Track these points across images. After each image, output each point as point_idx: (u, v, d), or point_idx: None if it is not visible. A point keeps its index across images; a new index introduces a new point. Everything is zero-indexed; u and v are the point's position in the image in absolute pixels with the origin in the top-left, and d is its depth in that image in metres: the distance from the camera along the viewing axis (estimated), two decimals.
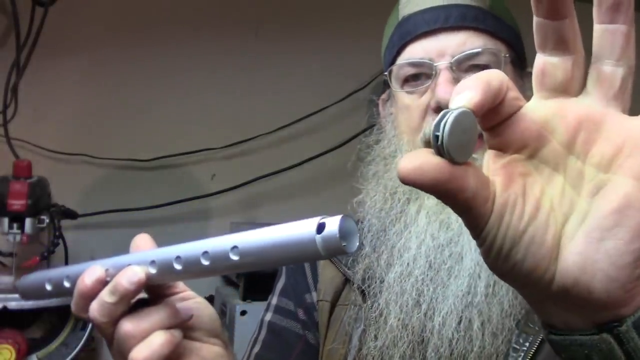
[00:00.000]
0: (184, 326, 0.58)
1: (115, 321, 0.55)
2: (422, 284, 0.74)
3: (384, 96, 0.89)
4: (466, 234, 0.74)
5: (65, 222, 1.43)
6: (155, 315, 0.55)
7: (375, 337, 0.76)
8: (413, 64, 0.80)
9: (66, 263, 1.55)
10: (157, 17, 1.75)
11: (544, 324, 0.43)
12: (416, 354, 0.73)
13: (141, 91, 1.74)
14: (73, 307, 0.56)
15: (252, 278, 1.46)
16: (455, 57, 0.77)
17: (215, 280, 1.71)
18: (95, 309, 0.54)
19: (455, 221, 0.75)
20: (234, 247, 0.46)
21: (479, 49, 0.77)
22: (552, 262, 0.39)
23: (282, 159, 1.80)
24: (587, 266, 0.37)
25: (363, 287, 0.79)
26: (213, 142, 1.77)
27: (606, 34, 0.39)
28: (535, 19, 0.41)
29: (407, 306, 0.74)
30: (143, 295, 0.56)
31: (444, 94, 0.75)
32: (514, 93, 0.41)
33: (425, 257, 0.74)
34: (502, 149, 0.42)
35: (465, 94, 0.38)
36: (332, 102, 1.81)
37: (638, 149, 0.37)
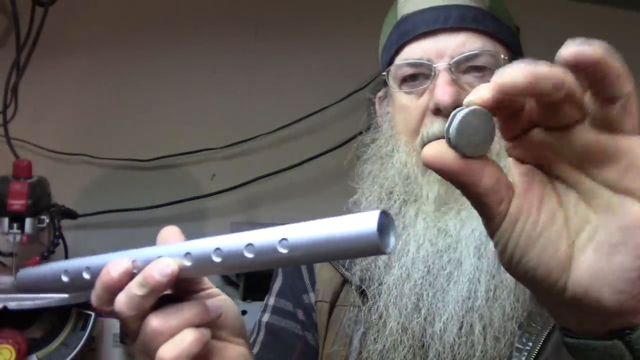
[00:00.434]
0: (212, 325, 0.55)
1: (142, 315, 0.51)
2: (421, 288, 0.74)
3: (380, 94, 0.89)
4: (464, 240, 0.74)
5: (65, 222, 1.43)
6: (185, 312, 0.52)
7: (375, 340, 0.75)
8: (411, 65, 0.80)
9: None
10: (157, 17, 1.75)
11: (560, 327, 0.44)
12: (417, 359, 0.73)
13: (141, 91, 1.74)
14: (95, 300, 0.53)
15: (252, 278, 1.45)
16: (454, 59, 0.77)
17: (215, 280, 1.71)
18: (122, 301, 0.51)
19: (454, 228, 0.75)
20: (283, 240, 0.44)
21: (478, 51, 0.77)
22: (564, 272, 0.40)
23: (282, 159, 1.80)
24: (597, 278, 0.38)
25: (363, 287, 0.79)
26: (213, 142, 1.77)
27: None
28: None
29: (406, 310, 0.74)
30: (167, 290, 0.53)
31: (443, 95, 0.75)
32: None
33: (423, 262, 0.74)
34: (520, 160, 0.44)
35: (479, 91, 0.39)
36: (332, 102, 1.81)
37: None
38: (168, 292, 0.53)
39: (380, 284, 0.77)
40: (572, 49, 0.37)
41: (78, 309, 1.21)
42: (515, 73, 0.37)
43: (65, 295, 1.15)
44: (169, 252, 0.51)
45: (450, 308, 0.72)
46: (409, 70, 0.80)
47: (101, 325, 1.37)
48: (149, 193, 1.71)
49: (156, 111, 1.75)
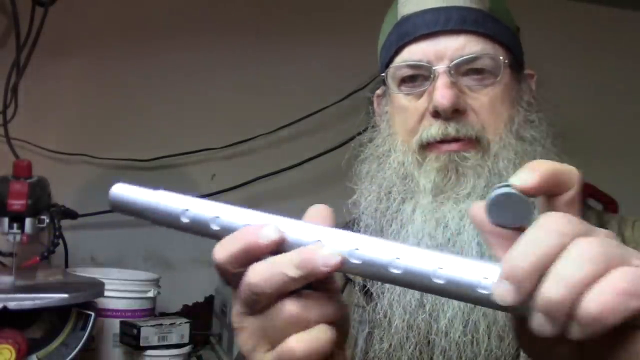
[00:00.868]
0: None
1: (279, 295, 0.45)
2: None
3: (379, 92, 0.89)
4: (465, 234, 0.74)
5: (65, 222, 1.43)
6: (326, 307, 0.46)
7: (381, 340, 0.75)
8: (411, 66, 0.80)
9: (66, 263, 1.55)
10: (157, 17, 1.75)
11: None
12: (424, 356, 0.73)
13: (141, 91, 1.74)
14: (225, 258, 0.46)
15: None
16: (454, 61, 0.77)
17: (215, 280, 1.71)
18: (263, 275, 0.44)
19: (452, 220, 0.75)
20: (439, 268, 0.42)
21: (478, 54, 0.77)
22: None
23: (282, 159, 1.80)
24: None
25: (368, 286, 0.79)
26: (213, 142, 1.77)
27: None
28: None
29: (410, 307, 0.74)
30: None
31: (442, 98, 0.75)
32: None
33: None
34: None
35: (521, 174, 0.42)
36: (332, 102, 1.81)
37: None
38: None
39: (382, 283, 0.77)
40: (530, 179, 0.42)
41: (78, 309, 1.20)
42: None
43: (65, 295, 1.15)
44: (331, 239, 0.44)
45: (455, 305, 0.72)
46: (408, 72, 0.80)
47: (101, 325, 1.37)
48: None
49: (156, 111, 1.75)
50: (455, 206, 0.75)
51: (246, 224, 0.47)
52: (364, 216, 0.82)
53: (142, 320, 1.40)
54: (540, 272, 0.38)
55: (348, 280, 0.83)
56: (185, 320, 1.41)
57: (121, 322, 1.38)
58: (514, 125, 0.79)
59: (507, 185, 0.43)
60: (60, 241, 1.41)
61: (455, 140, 0.77)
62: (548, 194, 0.43)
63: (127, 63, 1.73)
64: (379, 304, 0.77)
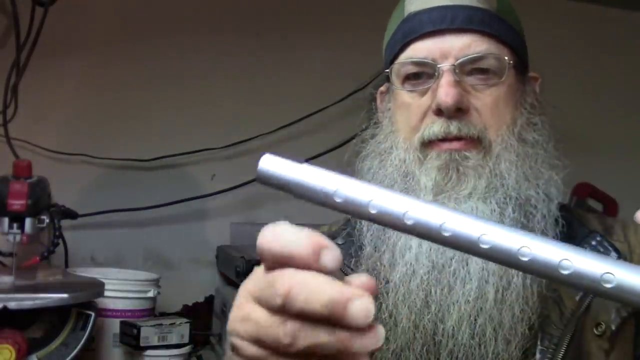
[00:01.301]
0: None
1: None
2: (428, 284, 0.74)
3: (382, 88, 0.89)
4: None
5: (65, 222, 1.43)
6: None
7: (388, 340, 0.75)
8: (416, 63, 0.79)
9: (66, 263, 1.55)
10: (157, 17, 1.75)
11: None
12: (431, 357, 0.73)
13: (141, 91, 1.74)
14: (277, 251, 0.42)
15: None
16: (459, 60, 0.77)
17: (215, 280, 1.71)
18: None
19: None
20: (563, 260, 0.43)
21: (483, 53, 0.77)
22: None
23: None
24: None
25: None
26: (213, 142, 1.77)
27: None
28: None
29: (416, 307, 0.74)
30: None
31: (446, 96, 0.75)
32: None
33: (427, 257, 0.74)
34: None
35: None
36: (332, 102, 1.81)
37: None
38: None
39: (387, 282, 0.77)
40: None
41: (78, 309, 1.20)
42: None
43: (65, 295, 1.15)
44: (460, 223, 0.44)
45: (461, 306, 0.72)
46: (413, 69, 0.80)
47: (101, 325, 1.37)
48: (149, 193, 1.71)
49: (156, 111, 1.75)
50: (457, 206, 0.75)
51: (404, 211, 0.45)
52: None
53: (142, 320, 1.40)
54: None
55: None
56: (185, 320, 1.41)
57: (121, 322, 1.39)
58: (516, 127, 0.79)
59: None
60: (60, 241, 1.41)
61: (457, 139, 0.77)
62: None
63: (127, 63, 1.73)
64: (383, 304, 0.77)
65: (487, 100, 0.78)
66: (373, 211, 0.45)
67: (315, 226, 0.98)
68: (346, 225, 0.88)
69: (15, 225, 1.25)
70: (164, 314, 1.57)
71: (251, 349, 0.42)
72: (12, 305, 1.09)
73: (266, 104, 1.83)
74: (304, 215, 1.14)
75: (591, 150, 1.98)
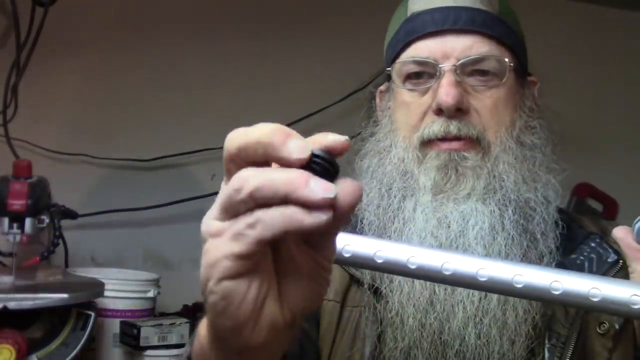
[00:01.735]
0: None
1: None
2: (432, 283, 0.74)
3: (382, 87, 0.89)
4: (469, 235, 0.74)
5: (65, 222, 1.43)
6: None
7: (396, 338, 0.75)
8: (417, 62, 0.80)
9: (66, 263, 1.55)
10: (157, 17, 1.75)
11: None
12: (439, 356, 0.74)
13: (141, 91, 1.74)
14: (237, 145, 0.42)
15: None
16: (460, 61, 0.77)
17: None
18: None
19: (454, 221, 0.75)
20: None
21: (485, 55, 0.78)
22: None
23: None
24: None
25: (376, 285, 0.79)
26: (213, 142, 1.76)
27: None
28: None
29: (421, 306, 0.74)
30: None
31: (446, 96, 0.75)
32: None
33: None
34: None
35: None
36: (332, 102, 1.81)
37: None
38: None
39: (390, 282, 0.77)
40: None
41: (78, 309, 1.21)
42: None
43: (65, 295, 1.15)
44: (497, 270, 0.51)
45: (466, 306, 0.73)
46: (415, 68, 0.80)
47: (101, 325, 1.37)
48: (149, 193, 1.71)
49: (156, 111, 1.75)
50: (457, 207, 0.76)
51: (408, 256, 0.52)
52: (367, 213, 0.82)
53: (142, 320, 1.40)
54: None
55: (352, 281, 0.82)
56: (185, 320, 1.41)
57: (121, 322, 1.39)
58: (515, 129, 0.79)
59: None
60: (60, 241, 1.41)
61: (457, 139, 0.77)
62: None
63: (127, 63, 1.73)
64: (389, 303, 0.77)
65: (487, 102, 0.78)
66: (379, 261, 0.51)
67: None
68: (346, 224, 0.88)
69: (15, 225, 1.25)
70: (164, 314, 1.57)
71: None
72: (12, 305, 1.09)
73: (266, 104, 1.82)
74: None
75: (591, 150, 1.98)
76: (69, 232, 1.51)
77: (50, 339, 1.18)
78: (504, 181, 0.77)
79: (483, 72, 0.78)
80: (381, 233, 0.80)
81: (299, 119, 1.81)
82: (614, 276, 0.75)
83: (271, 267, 0.44)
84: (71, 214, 1.48)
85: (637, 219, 0.58)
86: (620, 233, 0.63)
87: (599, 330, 0.75)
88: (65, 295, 1.15)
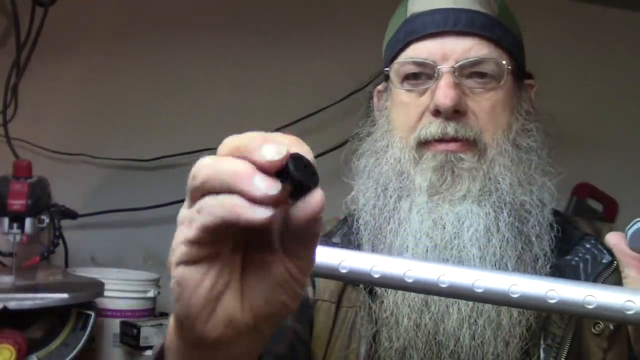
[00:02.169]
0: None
1: None
2: None
3: (380, 87, 0.90)
4: (464, 237, 0.75)
5: (65, 222, 1.43)
6: None
7: (391, 339, 0.76)
8: (416, 63, 0.80)
9: (66, 263, 1.55)
10: (157, 16, 1.75)
11: None
12: (434, 357, 0.74)
13: (141, 91, 1.74)
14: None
15: None
16: (459, 63, 0.78)
17: None
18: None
19: (449, 222, 0.75)
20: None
21: (484, 57, 0.78)
22: None
23: None
24: None
25: (372, 286, 0.79)
26: (213, 142, 1.75)
27: None
28: None
29: (416, 306, 0.75)
30: None
31: (444, 98, 0.76)
32: None
33: (423, 257, 0.75)
34: None
35: None
36: (332, 102, 1.81)
37: None
38: None
39: None
40: None
41: (78, 309, 1.21)
42: None
43: (65, 295, 1.15)
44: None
45: (461, 308, 0.73)
46: (413, 69, 0.81)
47: (101, 325, 1.37)
48: (149, 193, 1.71)
49: (156, 111, 1.75)
50: (452, 208, 0.76)
51: (405, 270, 0.53)
52: (363, 213, 0.82)
53: (142, 320, 1.40)
54: None
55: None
56: None
57: (121, 322, 1.39)
58: (511, 132, 0.80)
59: None
60: (60, 241, 1.41)
61: (454, 140, 0.77)
62: None
63: (127, 63, 1.73)
64: (384, 303, 0.77)
65: (484, 104, 0.79)
66: (376, 276, 0.52)
67: None
68: (342, 224, 0.88)
69: (15, 225, 1.25)
70: (164, 314, 1.57)
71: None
72: (12, 305, 1.09)
73: (266, 104, 1.82)
74: None
75: (591, 150, 1.98)
76: (69, 232, 1.51)
77: (50, 339, 1.18)
78: (499, 183, 0.77)
79: (481, 75, 0.79)
80: (377, 233, 0.80)
81: (299, 119, 1.81)
82: (609, 277, 0.76)
83: (234, 263, 0.44)
84: (71, 214, 1.48)
85: (629, 225, 0.58)
86: (613, 239, 0.64)
87: (594, 331, 0.76)
88: (65, 295, 1.15)
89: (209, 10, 1.80)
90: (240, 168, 0.41)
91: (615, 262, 0.77)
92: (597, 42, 2.05)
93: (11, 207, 1.23)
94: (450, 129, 0.77)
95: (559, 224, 0.80)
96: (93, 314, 1.21)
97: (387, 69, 0.84)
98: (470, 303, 0.72)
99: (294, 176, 0.40)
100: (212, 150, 1.67)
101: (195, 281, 0.43)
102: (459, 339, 0.72)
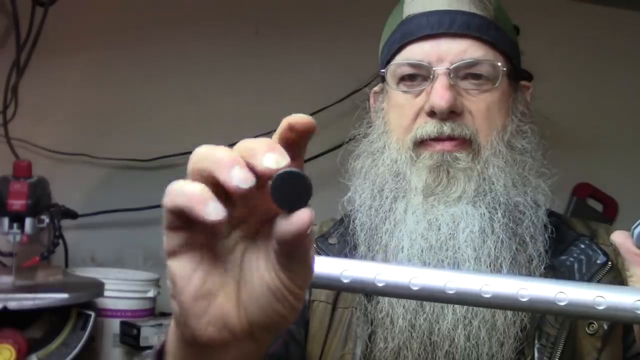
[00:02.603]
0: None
1: None
2: None
3: (376, 89, 0.90)
4: (459, 238, 0.75)
5: (65, 222, 1.43)
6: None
7: (386, 339, 0.76)
8: (412, 65, 0.80)
9: (66, 263, 1.55)
10: (157, 16, 1.75)
11: None
12: (428, 357, 0.74)
13: (141, 91, 1.74)
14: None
15: None
16: (454, 64, 0.78)
17: None
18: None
19: (444, 223, 0.76)
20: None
21: (479, 59, 0.78)
22: None
23: None
24: None
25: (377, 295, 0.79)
26: (213, 142, 1.75)
27: None
28: None
29: (411, 307, 0.75)
30: None
31: (440, 99, 0.76)
32: None
33: (419, 258, 0.75)
34: None
35: None
36: (332, 102, 1.81)
37: None
38: None
39: None
40: None
41: (78, 309, 1.21)
42: None
43: (65, 295, 1.15)
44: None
45: (456, 309, 0.73)
46: (409, 70, 0.81)
47: (101, 325, 1.38)
48: (149, 193, 1.70)
49: (156, 111, 1.75)
50: (447, 209, 0.76)
51: (410, 278, 0.52)
52: (359, 214, 0.83)
53: (142, 320, 1.40)
54: None
55: None
56: None
57: (121, 322, 1.39)
58: (506, 133, 0.80)
59: None
60: (60, 241, 1.41)
61: (450, 139, 0.78)
62: None
63: (127, 63, 1.73)
64: (380, 303, 0.77)
65: (479, 105, 0.79)
66: (380, 285, 0.51)
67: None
68: (339, 225, 0.88)
69: (15, 225, 1.25)
70: (164, 314, 1.57)
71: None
72: (12, 305, 1.09)
73: (266, 104, 1.82)
74: None
75: (591, 150, 1.98)
76: (69, 232, 1.51)
77: (50, 339, 1.18)
78: (493, 184, 0.77)
79: (476, 76, 0.79)
80: (372, 234, 0.80)
81: None
82: (603, 277, 0.77)
83: (231, 264, 0.45)
84: (71, 214, 1.48)
85: (636, 224, 0.57)
86: (619, 238, 0.64)
87: (588, 331, 0.76)
88: (65, 295, 1.15)
89: (209, 10, 1.80)
90: (226, 156, 0.42)
91: (610, 263, 0.78)
92: (597, 42, 2.05)
93: (11, 207, 1.24)
94: (447, 128, 0.77)
95: (553, 224, 0.80)
96: (93, 314, 1.21)
97: (383, 70, 0.85)
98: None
99: (274, 198, 0.40)
100: None
101: (184, 277, 0.43)
102: (454, 339, 0.73)
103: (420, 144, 0.79)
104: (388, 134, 0.83)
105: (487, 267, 0.73)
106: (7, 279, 1.24)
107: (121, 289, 1.42)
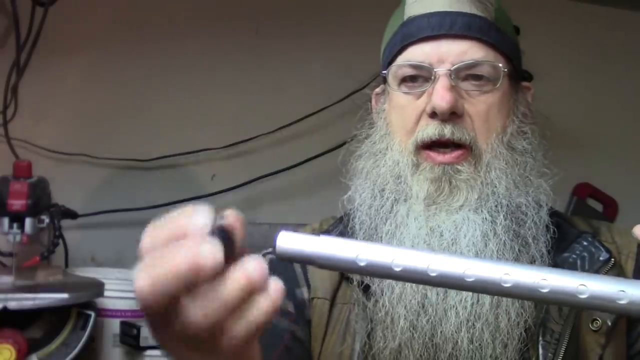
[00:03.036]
0: None
1: None
2: (424, 287, 0.74)
3: (378, 90, 0.90)
4: (461, 243, 0.75)
5: (65, 222, 1.43)
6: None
7: (386, 338, 0.76)
8: (413, 66, 0.81)
9: (66, 263, 1.55)
10: (156, 16, 1.75)
11: None
12: (430, 359, 0.74)
13: (141, 91, 1.74)
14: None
15: None
16: (455, 66, 0.78)
17: None
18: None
19: (447, 230, 0.76)
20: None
21: (480, 60, 0.79)
22: None
23: (282, 159, 1.80)
24: None
25: (366, 282, 0.79)
26: (213, 142, 1.77)
27: None
28: None
29: (412, 308, 0.75)
30: None
31: (441, 100, 0.76)
32: None
33: None
34: None
35: None
36: (332, 102, 1.81)
37: None
38: None
39: (381, 280, 0.78)
40: None
41: (78, 309, 1.21)
42: None
43: (65, 295, 1.15)
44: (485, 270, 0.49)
45: (459, 311, 0.73)
46: (410, 72, 0.81)
47: (101, 325, 1.38)
48: (149, 193, 1.71)
49: (156, 111, 1.75)
50: (449, 217, 0.77)
51: (427, 264, 0.49)
52: (359, 212, 0.83)
53: (142, 320, 1.40)
54: None
55: (344, 278, 0.83)
56: None
57: (121, 322, 1.38)
58: (506, 135, 0.81)
59: None
60: (60, 241, 1.41)
61: (450, 144, 0.78)
62: None
63: (127, 63, 1.73)
64: (379, 302, 0.77)
65: (480, 107, 0.79)
66: (397, 269, 0.48)
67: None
68: (338, 223, 0.89)
69: (15, 225, 1.25)
70: None
71: None
72: (12, 305, 1.09)
73: (266, 104, 1.83)
74: (303, 216, 1.14)
75: (591, 150, 1.98)
76: (69, 232, 1.51)
77: (50, 339, 1.18)
78: (495, 187, 0.78)
79: (477, 77, 0.80)
80: (372, 233, 0.81)
81: (299, 119, 1.81)
82: (607, 274, 0.77)
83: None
84: (71, 214, 1.48)
85: None
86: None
87: (592, 327, 0.76)
88: (65, 295, 1.15)
89: (209, 11, 1.80)
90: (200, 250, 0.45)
91: (612, 259, 0.78)
92: (597, 42, 2.05)
93: (11, 207, 1.24)
94: (447, 130, 0.78)
95: (555, 223, 0.80)
96: (93, 314, 1.21)
97: (384, 71, 0.85)
98: (469, 306, 0.73)
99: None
100: (211, 150, 1.68)
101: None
102: (457, 342, 0.73)
103: (422, 148, 0.80)
104: (390, 136, 0.83)
105: None
106: (7, 279, 1.24)
107: (121, 289, 1.42)
